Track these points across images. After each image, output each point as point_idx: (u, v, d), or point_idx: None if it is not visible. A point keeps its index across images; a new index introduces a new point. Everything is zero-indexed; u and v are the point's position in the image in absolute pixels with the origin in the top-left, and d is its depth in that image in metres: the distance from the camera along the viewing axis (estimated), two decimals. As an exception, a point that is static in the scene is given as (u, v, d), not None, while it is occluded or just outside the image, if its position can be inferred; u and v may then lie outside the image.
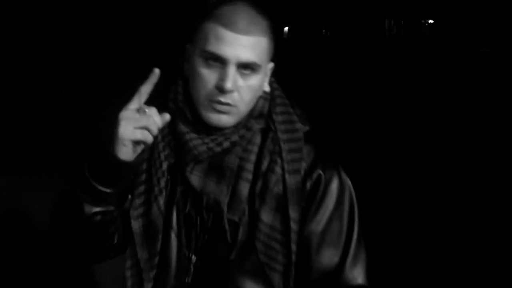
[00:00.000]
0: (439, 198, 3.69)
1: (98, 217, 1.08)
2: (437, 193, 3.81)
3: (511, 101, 6.75)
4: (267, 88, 1.07)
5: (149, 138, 1.02)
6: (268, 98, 1.08)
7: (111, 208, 1.08)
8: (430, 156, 4.80)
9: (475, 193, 3.81)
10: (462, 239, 3.04)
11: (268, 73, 1.08)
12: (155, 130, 1.03)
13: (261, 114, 1.07)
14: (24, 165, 4.51)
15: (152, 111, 1.03)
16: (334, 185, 1.10)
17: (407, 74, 9.43)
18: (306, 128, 1.10)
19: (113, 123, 1.05)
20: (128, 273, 1.11)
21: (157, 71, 1.02)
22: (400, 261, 2.69)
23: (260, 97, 1.06)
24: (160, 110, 1.04)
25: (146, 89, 1.03)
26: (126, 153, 1.03)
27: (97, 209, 1.07)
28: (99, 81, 6.66)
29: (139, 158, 1.07)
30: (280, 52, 1.12)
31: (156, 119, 1.03)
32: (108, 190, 1.05)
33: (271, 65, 1.08)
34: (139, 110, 1.02)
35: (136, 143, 1.02)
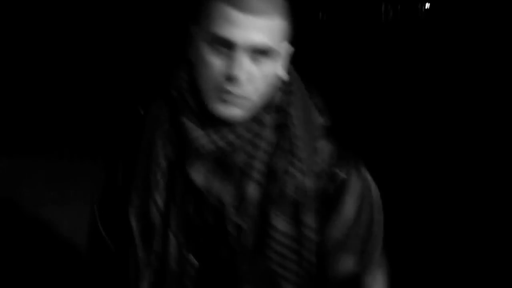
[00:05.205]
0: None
1: None
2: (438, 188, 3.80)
3: (508, 87, 6.71)
4: (285, 77, 0.98)
5: None
6: (287, 90, 0.98)
7: None
8: (428, 144, 4.78)
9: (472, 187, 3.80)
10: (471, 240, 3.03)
11: (286, 58, 0.97)
12: None
13: (278, 109, 0.97)
14: (21, 147, 4.48)
15: None
16: (355, 186, 1.00)
17: (404, 58, 9.38)
18: (326, 122, 1.00)
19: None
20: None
21: None
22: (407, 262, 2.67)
23: (279, 89, 0.96)
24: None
25: None
26: None
27: None
28: (96, 62, 6.59)
29: None
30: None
31: None
32: None
33: (288, 48, 0.97)
34: None
35: None
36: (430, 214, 3.35)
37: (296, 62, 1.04)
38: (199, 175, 0.97)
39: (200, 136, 0.95)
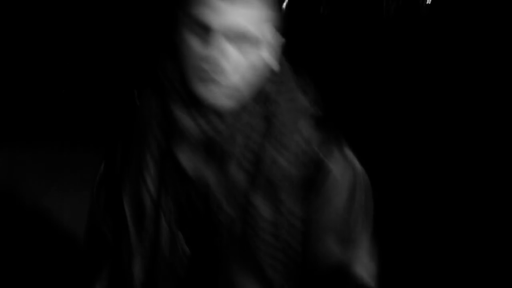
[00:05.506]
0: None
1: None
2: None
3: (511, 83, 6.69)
4: (275, 67, 0.99)
5: None
6: (277, 81, 1.00)
7: None
8: (429, 136, 4.78)
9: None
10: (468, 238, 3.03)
11: (276, 48, 0.99)
12: None
13: (266, 98, 0.99)
14: (23, 138, 4.49)
15: None
16: (343, 174, 1.01)
17: (405, 54, 9.36)
18: (317, 112, 1.01)
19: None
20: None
21: None
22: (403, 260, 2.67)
23: (268, 80, 0.98)
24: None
25: None
26: None
27: None
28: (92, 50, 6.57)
29: None
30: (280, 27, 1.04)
31: None
32: None
33: (279, 39, 0.99)
34: None
35: None
36: (421, 202, 3.35)
37: (297, 56, 1.04)
38: (189, 163, 0.98)
39: (190, 125, 0.96)
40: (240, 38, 0.92)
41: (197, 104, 0.95)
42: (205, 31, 0.92)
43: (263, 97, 0.98)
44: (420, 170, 3.97)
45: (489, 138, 4.69)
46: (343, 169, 1.01)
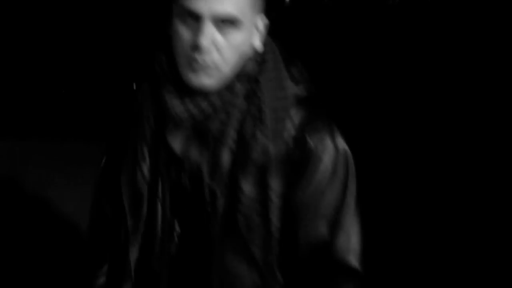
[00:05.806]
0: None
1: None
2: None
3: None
4: (259, 48, 0.99)
5: None
6: (260, 60, 1.01)
7: None
8: (430, 124, 4.76)
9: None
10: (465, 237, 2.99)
11: (260, 30, 0.99)
12: None
13: (249, 77, 0.99)
14: (28, 129, 4.52)
15: None
16: (327, 153, 1.01)
17: (409, 42, 9.33)
18: (301, 92, 1.00)
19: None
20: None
21: None
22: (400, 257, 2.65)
23: (250, 59, 0.99)
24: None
25: None
26: None
27: None
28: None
29: None
30: (278, 14, 1.04)
31: None
32: None
33: (263, 21, 0.99)
34: None
35: None
36: (416, 196, 3.33)
37: (300, 46, 1.04)
38: (177, 142, 1.02)
39: (176, 105, 1.00)
40: (224, 21, 0.95)
41: (185, 87, 0.99)
42: (194, 19, 0.95)
43: (245, 76, 1.01)
44: (416, 165, 3.94)
45: (496, 126, 4.66)
46: (335, 157, 1.03)
